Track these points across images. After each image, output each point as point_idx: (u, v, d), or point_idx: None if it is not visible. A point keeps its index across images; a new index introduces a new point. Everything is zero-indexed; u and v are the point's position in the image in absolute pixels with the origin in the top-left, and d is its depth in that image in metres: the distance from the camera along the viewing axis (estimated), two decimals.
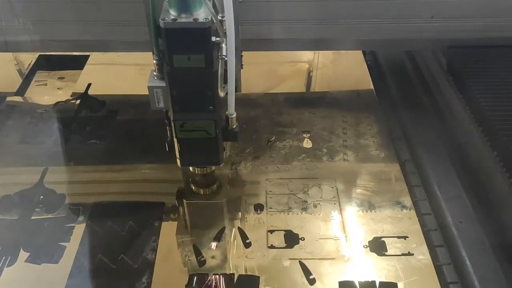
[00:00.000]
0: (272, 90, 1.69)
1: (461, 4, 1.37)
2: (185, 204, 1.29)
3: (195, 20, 0.94)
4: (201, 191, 1.30)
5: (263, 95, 1.67)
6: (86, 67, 1.80)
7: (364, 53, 1.86)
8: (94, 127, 1.55)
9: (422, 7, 1.38)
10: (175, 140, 1.12)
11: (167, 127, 1.13)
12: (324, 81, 1.78)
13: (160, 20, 0.94)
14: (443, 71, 1.56)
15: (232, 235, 1.22)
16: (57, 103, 1.64)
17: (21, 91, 1.72)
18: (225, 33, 0.94)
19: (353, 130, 1.53)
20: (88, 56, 1.83)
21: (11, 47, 1.45)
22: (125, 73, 1.77)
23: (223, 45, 0.96)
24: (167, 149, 1.18)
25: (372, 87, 1.71)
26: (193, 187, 1.31)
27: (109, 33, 1.41)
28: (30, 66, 1.82)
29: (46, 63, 1.83)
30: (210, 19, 0.93)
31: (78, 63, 1.81)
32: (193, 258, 1.16)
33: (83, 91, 1.68)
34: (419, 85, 1.69)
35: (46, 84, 1.75)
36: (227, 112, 1.10)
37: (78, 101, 1.64)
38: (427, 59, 1.70)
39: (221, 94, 1.03)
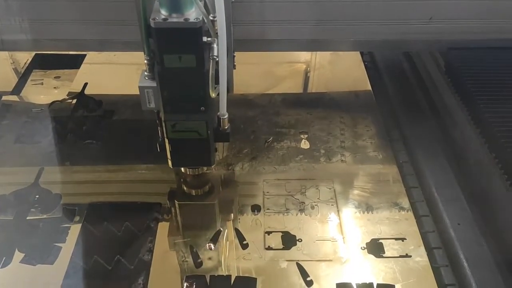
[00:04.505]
0: (270, 90, 1.69)
1: (460, 5, 1.37)
2: (176, 205, 1.28)
3: (186, 20, 0.93)
4: (193, 192, 1.30)
5: (260, 96, 1.66)
6: (82, 66, 1.79)
7: (362, 54, 1.85)
8: (90, 126, 1.54)
9: (421, 8, 1.38)
10: (166, 140, 1.12)
11: (159, 128, 1.13)
12: (321, 82, 1.77)
13: (150, 20, 0.93)
14: (441, 72, 1.56)
15: (225, 236, 1.21)
16: (53, 102, 1.63)
17: (17, 90, 1.71)
18: (217, 33, 0.94)
19: (350, 131, 1.52)
20: (85, 55, 1.83)
21: (7, 46, 1.45)
22: (121, 73, 1.76)
23: (214, 45, 0.95)
24: (159, 150, 1.17)
25: (370, 88, 1.70)
26: (185, 188, 1.30)
27: (106, 33, 1.41)
28: (26, 65, 1.81)
29: (42, 62, 1.81)
30: (201, 19, 0.93)
31: (75, 62, 1.80)
32: (189, 259, 1.16)
33: (79, 91, 1.67)
34: (417, 87, 1.69)
35: (42, 83, 1.74)
36: (218, 113, 1.10)
37: (74, 101, 1.63)
38: (425, 60, 1.69)
39: (213, 94, 1.02)
